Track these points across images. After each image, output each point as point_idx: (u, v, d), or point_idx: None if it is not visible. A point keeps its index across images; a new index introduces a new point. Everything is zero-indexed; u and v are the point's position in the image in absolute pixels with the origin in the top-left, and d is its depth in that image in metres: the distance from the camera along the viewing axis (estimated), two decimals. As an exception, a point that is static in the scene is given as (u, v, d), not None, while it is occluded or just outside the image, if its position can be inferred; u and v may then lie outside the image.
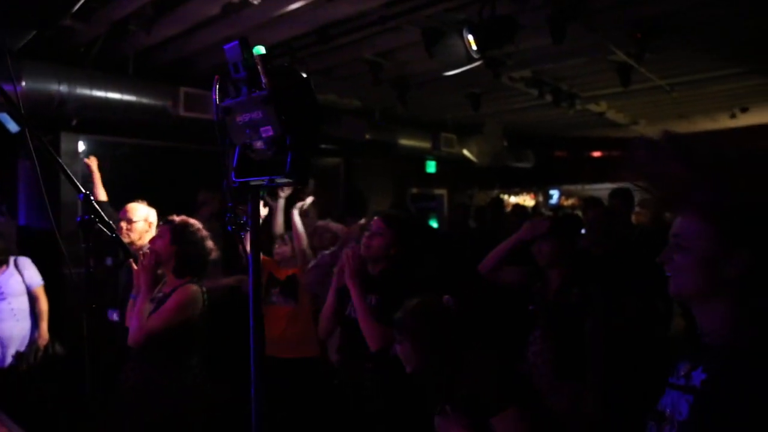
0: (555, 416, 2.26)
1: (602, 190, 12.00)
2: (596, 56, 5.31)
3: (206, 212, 5.39)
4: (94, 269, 4.52)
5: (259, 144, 1.29)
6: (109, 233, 1.50)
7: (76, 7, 2.93)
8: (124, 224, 3.55)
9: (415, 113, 7.68)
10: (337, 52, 5.18)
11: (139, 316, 2.49)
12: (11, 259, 4.23)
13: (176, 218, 2.83)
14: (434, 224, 9.74)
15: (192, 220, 2.84)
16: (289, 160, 1.21)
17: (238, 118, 1.32)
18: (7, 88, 4.44)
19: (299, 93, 1.26)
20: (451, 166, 9.68)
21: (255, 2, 3.60)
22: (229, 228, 1.34)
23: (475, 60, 3.68)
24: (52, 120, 4.99)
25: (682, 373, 1.24)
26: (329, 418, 2.80)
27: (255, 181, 1.35)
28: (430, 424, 2.01)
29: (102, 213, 1.49)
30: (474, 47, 3.60)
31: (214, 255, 2.84)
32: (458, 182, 10.81)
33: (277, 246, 3.90)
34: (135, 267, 2.71)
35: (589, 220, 3.40)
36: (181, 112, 5.14)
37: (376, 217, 2.65)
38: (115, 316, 3.82)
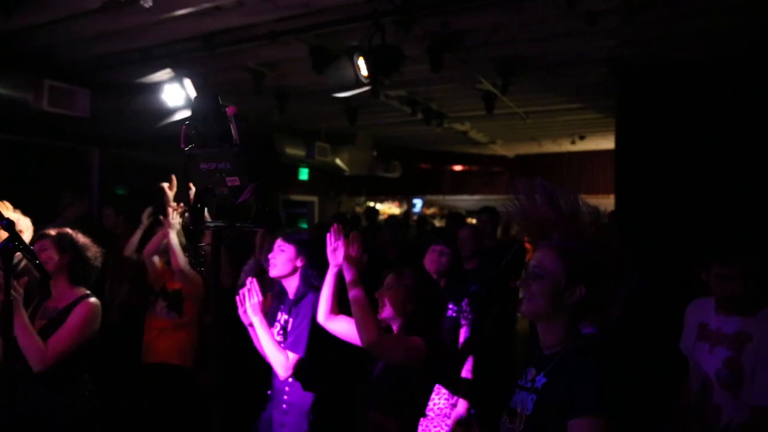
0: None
1: (461, 201, 13.04)
2: (465, 84, 5.82)
3: (71, 214, 5.05)
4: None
5: (222, 190, 1.37)
6: (31, 259, 1.47)
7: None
8: None
9: (290, 122, 7.76)
10: (219, 58, 5.13)
11: (33, 338, 2.32)
12: None
13: (51, 231, 2.67)
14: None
15: (66, 229, 2.70)
16: (255, 207, 1.31)
17: (202, 165, 1.39)
18: None
19: (265, 148, 1.37)
20: (322, 173, 9.88)
21: (146, 5, 3.50)
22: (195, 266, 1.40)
23: (365, 85, 3.91)
24: None
25: (529, 378, 1.60)
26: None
27: (217, 224, 1.42)
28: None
29: (23, 239, 1.45)
30: (363, 73, 3.82)
31: (100, 260, 2.73)
32: (329, 190, 11.04)
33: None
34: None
35: (461, 237, 3.79)
36: (45, 107, 4.74)
37: (278, 239, 2.72)
38: None
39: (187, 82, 4.87)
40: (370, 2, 3.80)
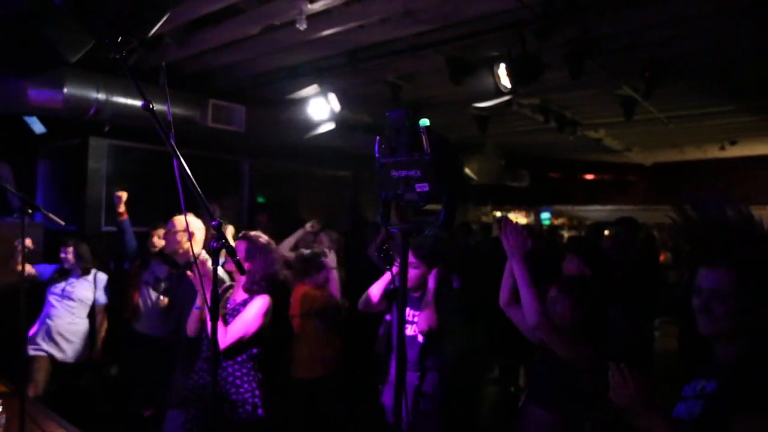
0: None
1: (592, 211, 12.48)
2: (604, 90, 5.64)
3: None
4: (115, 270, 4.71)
5: (411, 196, 1.51)
6: (232, 256, 1.70)
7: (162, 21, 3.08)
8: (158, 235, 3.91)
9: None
10: (360, 73, 5.41)
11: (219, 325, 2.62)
12: (93, 272, 4.42)
13: (251, 233, 2.92)
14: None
15: (264, 236, 2.92)
16: (443, 213, 1.44)
17: (393, 173, 1.55)
18: (52, 94, 4.56)
19: (452, 159, 1.50)
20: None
21: (301, 28, 3.81)
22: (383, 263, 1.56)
23: (504, 94, 3.95)
24: (82, 124, 5.14)
25: (697, 388, 1.54)
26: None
27: (405, 227, 1.58)
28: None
29: (228, 239, 1.68)
30: (504, 82, 3.86)
31: (283, 274, 2.98)
32: (455, 198, 11.08)
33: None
34: (196, 276, 2.72)
35: (606, 249, 3.69)
36: (209, 123, 5.31)
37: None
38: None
39: (332, 97, 5.18)
40: (508, 13, 3.85)
